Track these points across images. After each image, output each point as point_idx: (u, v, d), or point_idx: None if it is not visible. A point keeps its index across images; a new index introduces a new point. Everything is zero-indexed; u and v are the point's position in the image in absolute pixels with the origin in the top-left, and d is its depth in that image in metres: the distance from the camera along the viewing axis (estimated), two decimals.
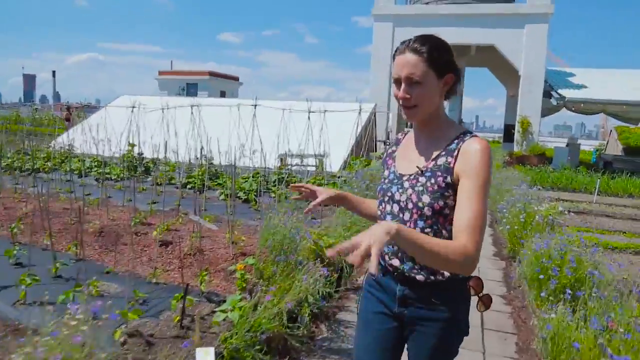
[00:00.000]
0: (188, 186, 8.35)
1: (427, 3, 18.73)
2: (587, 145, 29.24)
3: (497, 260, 5.76)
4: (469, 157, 1.44)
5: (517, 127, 17.24)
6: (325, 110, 9.76)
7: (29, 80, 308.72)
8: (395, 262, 1.57)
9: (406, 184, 1.54)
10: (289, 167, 12.10)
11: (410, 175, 1.55)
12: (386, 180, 1.64)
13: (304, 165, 11.51)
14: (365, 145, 13.57)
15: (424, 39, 1.48)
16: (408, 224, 1.51)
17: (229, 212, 5.10)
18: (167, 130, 12.52)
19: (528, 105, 16.92)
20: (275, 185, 8.40)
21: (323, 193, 1.80)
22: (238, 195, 7.76)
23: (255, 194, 7.69)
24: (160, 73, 39.19)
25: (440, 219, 1.48)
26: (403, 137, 1.74)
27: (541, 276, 3.56)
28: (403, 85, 1.48)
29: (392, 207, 1.57)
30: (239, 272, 3.06)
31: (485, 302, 1.61)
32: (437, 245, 1.29)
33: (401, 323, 1.61)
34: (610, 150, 25.92)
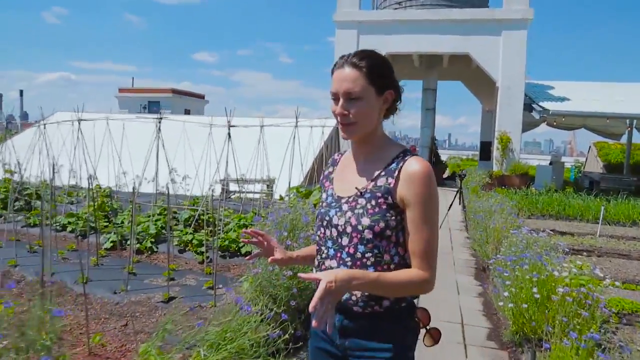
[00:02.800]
0: (68, 228, 6.12)
1: (396, 8, 17.01)
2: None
3: (494, 350, 3.69)
4: (412, 183, 1.37)
5: (496, 143, 15.40)
6: (263, 125, 7.65)
7: None
8: None
9: (345, 207, 1.45)
10: (232, 194, 10.02)
11: (349, 197, 1.46)
12: (324, 204, 1.54)
13: (249, 192, 9.45)
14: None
15: (364, 54, 1.41)
16: (347, 248, 1.42)
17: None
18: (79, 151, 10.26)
19: (508, 120, 15.17)
20: (190, 225, 6.25)
21: (279, 251, 1.60)
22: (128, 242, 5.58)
23: (152, 240, 5.52)
24: (121, 90, 37.13)
25: (383, 242, 1.39)
26: (340, 158, 1.63)
27: None
28: (341, 101, 1.40)
29: (330, 231, 1.47)
30: None
31: (434, 335, 1.53)
32: (398, 283, 1.34)
33: (345, 356, 1.49)
34: (590, 167, 24.57)
